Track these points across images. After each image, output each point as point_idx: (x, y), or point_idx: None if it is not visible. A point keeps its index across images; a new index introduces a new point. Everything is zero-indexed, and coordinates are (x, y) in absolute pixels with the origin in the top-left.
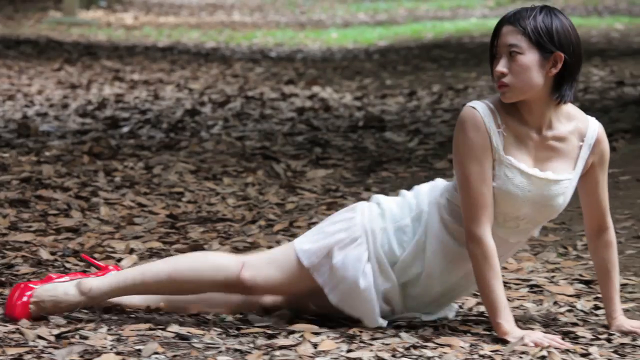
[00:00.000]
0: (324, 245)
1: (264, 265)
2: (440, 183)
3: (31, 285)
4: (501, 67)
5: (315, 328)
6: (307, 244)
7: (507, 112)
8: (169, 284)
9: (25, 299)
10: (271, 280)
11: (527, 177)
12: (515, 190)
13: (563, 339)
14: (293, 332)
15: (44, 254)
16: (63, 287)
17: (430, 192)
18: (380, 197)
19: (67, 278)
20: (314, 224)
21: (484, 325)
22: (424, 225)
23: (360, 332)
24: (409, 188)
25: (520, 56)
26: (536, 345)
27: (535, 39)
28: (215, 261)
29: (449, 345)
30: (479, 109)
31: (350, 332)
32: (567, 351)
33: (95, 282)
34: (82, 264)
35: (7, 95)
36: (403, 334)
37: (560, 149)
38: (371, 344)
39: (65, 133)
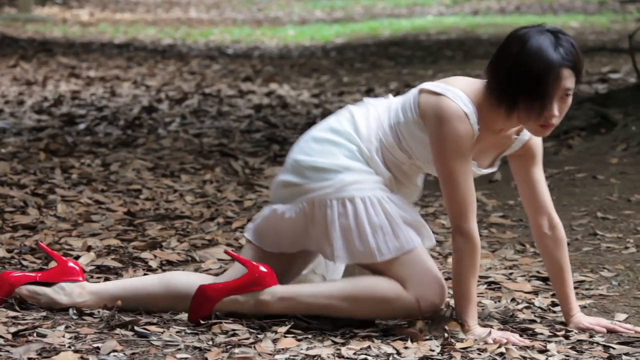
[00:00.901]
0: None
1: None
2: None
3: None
4: (557, 111)
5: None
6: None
7: (479, 111)
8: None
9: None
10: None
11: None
12: None
13: (521, 335)
14: (252, 328)
15: (1, 252)
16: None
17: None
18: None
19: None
20: None
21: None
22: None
23: (324, 332)
24: None
25: (569, 97)
26: (495, 342)
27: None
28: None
29: (415, 340)
30: (461, 104)
31: (312, 329)
32: (525, 348)
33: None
34: (39, 261)
35: None
36: (357, 330)
37: (502, 144)
38: (334, 342)
39: (21, 130)
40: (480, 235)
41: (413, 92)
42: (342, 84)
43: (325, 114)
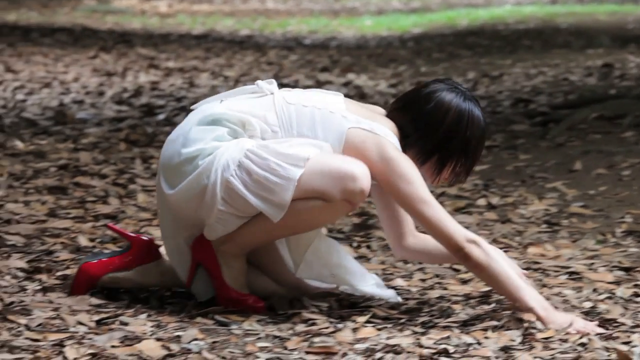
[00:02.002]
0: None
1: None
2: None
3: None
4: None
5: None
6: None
7: None
8: None
9: None
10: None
11: None
12: None
13: (602, 326)
14: (332, 318)
15: (83, 241)
16: None
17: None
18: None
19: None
20: None
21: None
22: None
23: (403, 322)
24: None
25: None
26: (578, 332)
27: None
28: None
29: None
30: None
31: (391, 318)
32: (608, 339)
33: None
34: (120, 249)
35: (43, 83)
36: (437, 320)
37: None
38: (414, 332)
39: (101, 120)
40: (561, 226)
41: (337, 120)
42: (420, 74)
43: None
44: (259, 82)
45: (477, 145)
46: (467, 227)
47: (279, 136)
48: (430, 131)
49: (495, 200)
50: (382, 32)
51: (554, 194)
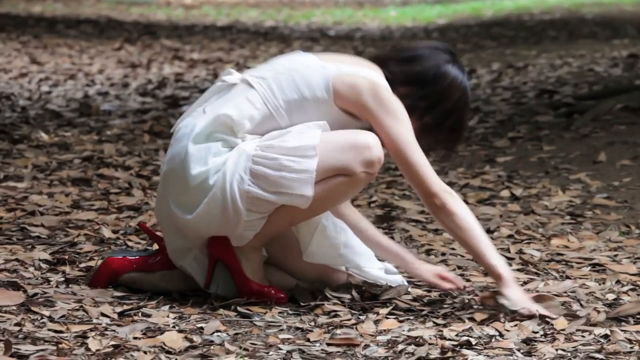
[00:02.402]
0: None
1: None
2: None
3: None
4: None
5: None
6: None
7: None
8: None
9: None
10: None
11: None
12: None
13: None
14: (354, 309)
15: (107, 233)
16: None
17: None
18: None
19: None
20: (374, 202)
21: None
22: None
23: (425, 314)
24: (468, 167)
25: None
26: (528, 313)
27: None
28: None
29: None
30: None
31: (413, 310)
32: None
33: None
34: (144, 242)
35: (68, 75)
36: (459, 312)
37: None
38: (436, 324)
39: (126, 112)
40: (584, 217)
41: (318, 72)
42: None
43: None
44: (222, 76)
45: (463, 114)
46: (490, 219)
47: (269, 114)
48: (418, 90)
49: (518, 191)
50: (407, 23)
51: (578, 185)
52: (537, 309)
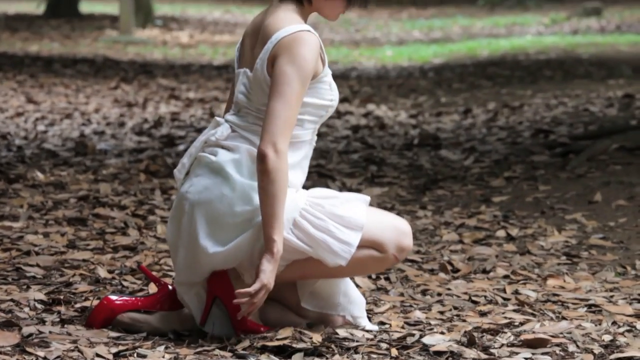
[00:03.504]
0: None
1: None
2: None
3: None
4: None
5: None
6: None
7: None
8: None
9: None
10: None
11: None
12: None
13: None
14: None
15: (102, 272)
16: None
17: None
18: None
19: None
20: None
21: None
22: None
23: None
24: (464, 207)
25: None
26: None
27: None
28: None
29: None
30: (317, 38)
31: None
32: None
33: None
34: (139, 282)
35: (64, 114)
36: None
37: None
38: None
39: (122, 151)
40: (580, 257)
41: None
42: (440, 104)
43: (423, 134)
44: (216, 119)
45: None
46: (485, 259)
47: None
48: None
49: (514, 231)
50: (403, 63)
51: (574, 225)
52: (264, 285)
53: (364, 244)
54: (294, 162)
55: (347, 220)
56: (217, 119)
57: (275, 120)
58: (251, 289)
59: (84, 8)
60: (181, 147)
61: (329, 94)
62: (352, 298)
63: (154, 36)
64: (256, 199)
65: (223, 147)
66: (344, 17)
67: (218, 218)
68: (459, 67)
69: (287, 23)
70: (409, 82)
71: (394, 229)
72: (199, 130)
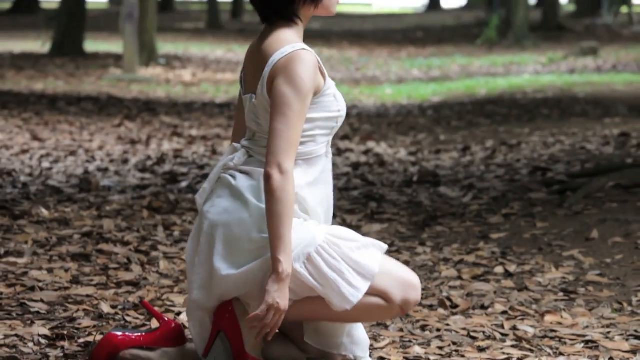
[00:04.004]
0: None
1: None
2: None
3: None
4: None
5: None
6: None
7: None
8: None
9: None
10: None
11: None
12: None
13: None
14: None
15: (105, 308)
16: None
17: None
18: None
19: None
20: None
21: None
22: None
23: None
24: (463, 243)
25: None
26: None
27: None
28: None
29: None
30: (313, 54)
31: None
32: None
33: None
34: (142, 317)
35: (69, 151)
36: None
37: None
38: None
39: (125, 188)
40: (577, 294)
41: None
42: (439, 142)
43: (423, 171)
44: (234, 145)
45: None
46: (484, 295)
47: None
48: None
49: (512, 268)
50: (402, 101)
51: (571, 262)
52: (270, 305)
53: (371, 292)
54: (314, 178)
55: (360, 266)
56: (234, 144)
57: (278, 141)
58: (259, 311)
59: (89, 47)
60: (184, 184)
61: (335, 105)
62: (355, 338)
63: (158, 74)
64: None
65: (241, 172)
66: (344, 55)
67: (235, 241)
68: (457, 105)
69: (282, 44)
70: (408, 120)
71: (403, 281)
72: (202, 167)
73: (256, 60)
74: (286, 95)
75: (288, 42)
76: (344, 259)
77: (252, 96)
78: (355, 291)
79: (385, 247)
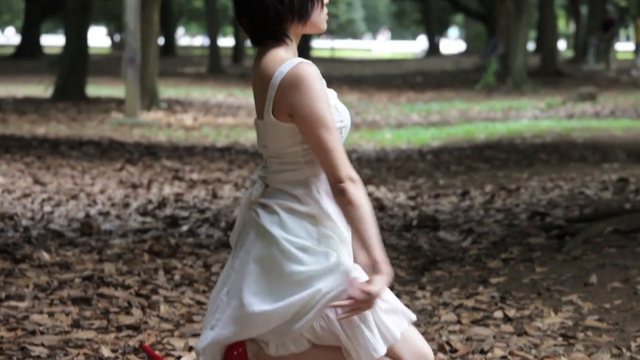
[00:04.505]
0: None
1: None
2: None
3: None
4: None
5: None
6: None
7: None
8: None
9: None
10: None
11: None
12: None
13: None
14: None
15: (106, 352)
16: None
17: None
18: None
19: None
20: None
21: None
22: None
23: None
24: (462, 287)
25: None
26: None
27: None
28: None
29: None
30: (311, 64)
31: None
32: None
33: None
34: None
35: (70, 195)
36: None
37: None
38: None
39: (126, 232)
40: (576, 339)
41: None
42: (438, 186)
43: (422, 216)
44: (253, 177)
45: None
46: (483, 340)
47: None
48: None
49: (511, 312)
50: (402, 145)
51: (570, 307)
52: (371, 293)
53: (387, 354)
54: (328, 189)
55: (386, 328)
56: (252, 177)
57: (333, 154)
58: (364, 289)
59: (91, 91)
60: (184, 228)
61: (338, 116)
62: None
63: (159, 119)
64: (305, 258)
65: (263, 205)
66: (344, 100)
67: (267, 278)
68: (456, 150)
69: (277, 64)
70: (407, 164)
71: (416, 352)
72: (202, 211)
73: (258, 84)
74: (314, 111)
75: (282, 60)
76: (374, 317)
77: (258, 119)
78: (374, 351)
79: (414, 317)
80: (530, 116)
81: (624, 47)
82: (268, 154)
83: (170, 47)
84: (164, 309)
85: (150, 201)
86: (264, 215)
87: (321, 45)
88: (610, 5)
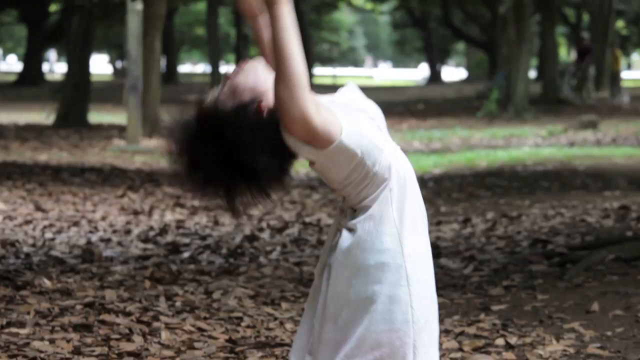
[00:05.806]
0: None
1: None
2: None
3: None
4: None
5: None
6: None
7: None
8: None
9: None
10: None
11: None
12: None
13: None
14: None
15: None
16: None
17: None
18: None
19: None
20: None
21: None
22: None
23: None
24: (464, 315)
25: None
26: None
27: None
28: None
29: None
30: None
31: None
32: None
33: None
34: None
35: (72, 222)
36: None
37: None
38: None
39: (127, 258)
40: None
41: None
42: (440, 213)
43: None
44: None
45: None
46: None
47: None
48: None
49: (513, 340)
50: None
51: (572, 334)
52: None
53: None
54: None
55: (419, 344)
56: (341, 204)
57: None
58: None
59: (93, 118)
60: (186, 255)
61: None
62: None
63: (161, 145)
64: (377, 276)
65: (348, 229)
66: None
67: (355, 304)
68: (458, 177)
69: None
70: None
71: None
72: (204, 238)
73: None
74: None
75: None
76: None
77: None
78: None
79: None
80: (531, 144)
81: (627, 75)
82: (335, 188)
83: (171, 73)
84: (165, 335)
85: (151, 228)
86: (343, 238)
87: (323, 73)
88: (586, 32)
